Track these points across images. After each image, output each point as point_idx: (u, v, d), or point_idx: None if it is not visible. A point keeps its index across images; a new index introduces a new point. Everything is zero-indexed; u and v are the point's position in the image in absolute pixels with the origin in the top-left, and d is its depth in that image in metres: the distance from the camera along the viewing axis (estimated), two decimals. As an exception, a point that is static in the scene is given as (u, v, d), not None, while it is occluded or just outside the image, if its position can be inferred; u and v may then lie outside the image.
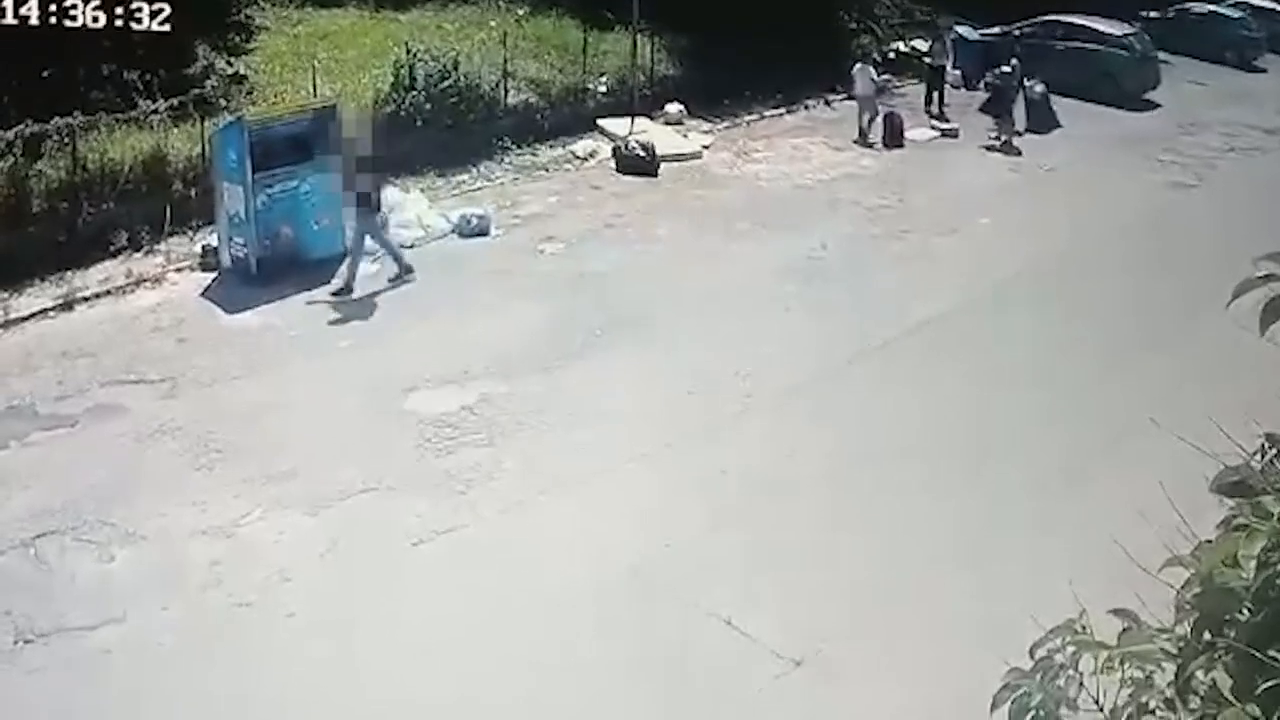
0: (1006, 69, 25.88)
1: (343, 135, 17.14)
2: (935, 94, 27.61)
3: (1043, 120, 26.59)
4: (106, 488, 12.31)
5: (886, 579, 11.44)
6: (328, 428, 13.71)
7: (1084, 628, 3.25)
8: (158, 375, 14.61)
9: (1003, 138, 25.39)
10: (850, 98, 26.33)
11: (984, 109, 26.06)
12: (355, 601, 10.94)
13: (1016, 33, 30.69)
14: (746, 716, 9.99)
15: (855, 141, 25.15)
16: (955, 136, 26.11)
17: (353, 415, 14.01)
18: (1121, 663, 3.13)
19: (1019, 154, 25.02)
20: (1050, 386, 14.99)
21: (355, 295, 16.87)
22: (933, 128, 26.47)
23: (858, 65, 26.13)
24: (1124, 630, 3.22)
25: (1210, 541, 3.17)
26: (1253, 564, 2.91)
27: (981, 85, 27.20)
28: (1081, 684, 3.23)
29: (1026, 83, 26.43)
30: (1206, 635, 2.99)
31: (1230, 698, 2.81)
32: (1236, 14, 36.05)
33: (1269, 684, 2.74)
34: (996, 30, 31.00)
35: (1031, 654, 3.29)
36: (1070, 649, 3.25)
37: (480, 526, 12.09)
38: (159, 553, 11.44)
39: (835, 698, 10.04)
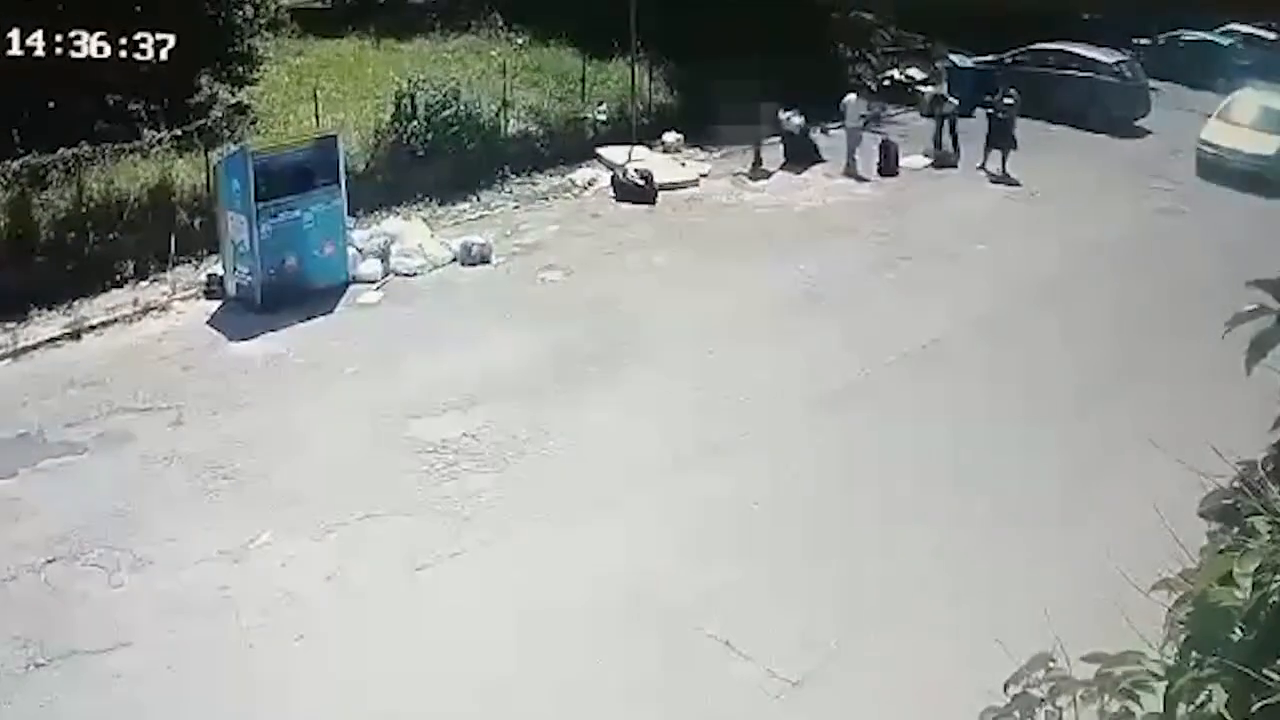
0: (1008, 100, 25.78)
1: None
2: (947, 134, 26.66)
3: (801, 154, 25.75)
4: (115, 514, 12.49)
5: (883, 603, 11.60)
6: (333, 453, 13.89)
7: (1055, 660, 3.26)
8: (165, 403, 14.78)
9: (998, 165, 25.51)
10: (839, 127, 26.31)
11: (989, 145, 25.90)
12: (361, 624, 11.10)
13: (1009, 60, 30.95)
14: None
15: (844, 174, 25.19)
16: (953, 166, 26.23)
17: (357, 441, 14.18)
18: (1101, 693, 3.15)
19: (1015, 182, 25.14)
20: (1039, 414, 15.14)
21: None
22: (925, 155, 26.50)
23: (849, 96, 26.22)
24: (1100, 669, 3.20)
25: (1199, 564, 3.24)
26: (1248, 583, 2.92)
27: (985, 114, 26.84)
28: (1060, 718, 3.23)
29: (782, 114, 25.72)
30: (1195, 655, 3.00)
31: (1226, 716, 2.83)
32: (1226, 41, 36.36)
33: (1264, 702, 2.76)
34: (990, 58, 31.20)
35: (1006, 690, 3.28)
36: (1048, 685, 3.24)
37: (482, 551, 12.25)
38: (168, 577, 11.60)
39: (833, 718, 10.20)
